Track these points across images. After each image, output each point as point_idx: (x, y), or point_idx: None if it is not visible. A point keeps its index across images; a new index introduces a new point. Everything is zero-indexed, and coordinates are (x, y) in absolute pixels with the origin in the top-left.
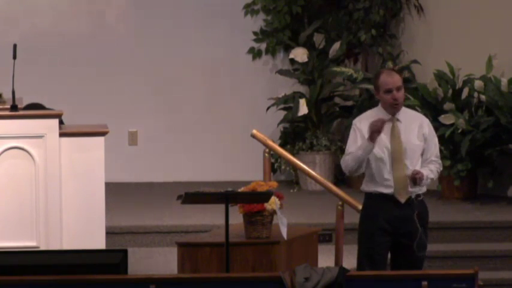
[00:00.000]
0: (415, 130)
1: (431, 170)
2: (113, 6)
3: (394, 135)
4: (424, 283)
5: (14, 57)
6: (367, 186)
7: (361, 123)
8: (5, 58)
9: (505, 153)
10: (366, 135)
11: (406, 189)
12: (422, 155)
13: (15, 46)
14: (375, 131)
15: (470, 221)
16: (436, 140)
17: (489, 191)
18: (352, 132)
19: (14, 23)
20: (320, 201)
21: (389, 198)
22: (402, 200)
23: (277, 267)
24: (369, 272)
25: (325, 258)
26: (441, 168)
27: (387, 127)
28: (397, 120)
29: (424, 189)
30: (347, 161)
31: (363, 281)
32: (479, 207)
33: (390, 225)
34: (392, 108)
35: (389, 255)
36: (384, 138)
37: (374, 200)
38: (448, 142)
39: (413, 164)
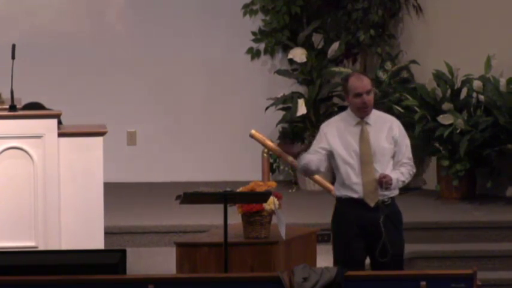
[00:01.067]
0: (385, 133)
1: (401, 173)
2: (112, 6)
3: (363, 139)
4: (423, 283)
5: (13, 57)
6: (337, 191)
7: (328, 128)
8: (3, 58)
9: (504, 153)
10: (332, 140)
11: (375, 193)
12: (393, 157)
13: (13, 46)
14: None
15: (468, 221)
16: (408, 141)
17: (488, 191)
18: (317, 136)
19: (13, 23)
20: (319, 201)
21: (359, 202)
22: (371, 203)
23: (276, 267)
24: (367, 272)
25: (324, 258)
26: (414, 170)
27: (356, 130)
28: (366, 123)
29: (395, 192)
30: (299, 160)
31: (361, 281)
32: (478, 207)
33: (363, 230)
34: (362, 112)
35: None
36: (352, 141)
37: (344, 205)
38: (447, 142)
39: (383, 168)
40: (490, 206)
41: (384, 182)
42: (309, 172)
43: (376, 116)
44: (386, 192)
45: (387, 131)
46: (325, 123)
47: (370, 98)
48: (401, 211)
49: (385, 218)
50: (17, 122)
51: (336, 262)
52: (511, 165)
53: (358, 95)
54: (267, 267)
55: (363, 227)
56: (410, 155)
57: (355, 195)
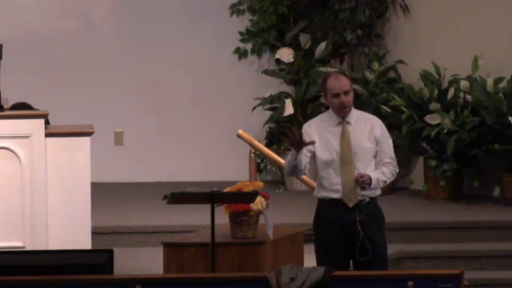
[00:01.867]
0: (366, 132)
1: (382, 173)
2: (99, 6)
3: (344, 138)
4: (410, 283)
5: (0, 57)
6: (318, 192)
7: (311, 128)
8: None
9: (491, 153)
10: (312, 138)
11: (354, 193)
12: (375, 157)
13: (0, 46)
14: (293, 144)
15: (456, 221)
16: (390, 141)
17: (475, 191)
18: None
19: (0, 23)
20: (306, 201)
21: (339, 203)
22: (350, 204)
23: (263, 267)
24: (354, 272)
25: (311, 258)
26: (397, 170)
27: (337, 130)
28: (348, 123)
29: (377, 192)
30: (285, 164)
31: (349, 281)
32: (465, 207)
33: (344, 231)
34: (340, 113)
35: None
36: (333, 141)
37: (325, 206)
38: (434, 142)
39: (364, 167)
40: (477, 206)
41: (360, 182)
42: (295, 174)
43: (357, 116)
44: (367, 193)
45: (369, 131)
46: (307, 124)
47: (348, 99)
48: (389, 211)
49: (366, 217)
50: (4, 122)
51: (318, 264)
52: (498, 165)
53: (336, 95)
54: (254, 267)
55: (343, 227)
56: (393, 155)
57: (335, 196)
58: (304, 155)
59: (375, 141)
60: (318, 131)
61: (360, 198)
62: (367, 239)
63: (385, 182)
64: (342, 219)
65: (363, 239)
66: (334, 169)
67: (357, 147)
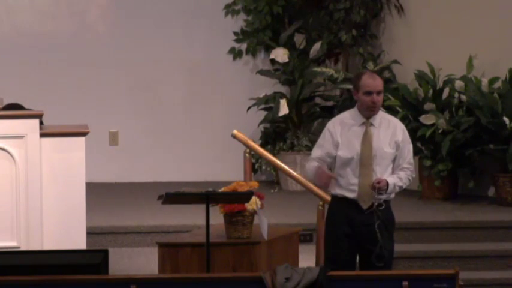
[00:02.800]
0: (388, 137)
1: (400, 178)
2: (93, 6)
3: (366, 140)
4: (405, 283)
5: None
6: (333, 189)
7: (334, 127)
8: None
9: (486, 153)
10: (336, 138)
11: (369, 196)
12: (394, 161)
13: None
14: (321, 185)
15: (451, 221)
16: (411, 146)
17: (470, 191)
18: (322, 134)
19: None
20: (301, 201)
21: (353, 203)
22: (364, 206)
23: (258, 267)
24: (349, 272)
25: (306, 258)
26: (413, 175)
27: (360, 131)
28: (371, 124)
29: (391, 196)
30: (307, 170)
31: (344, 281)
32: (460, 207)
33: (354, 230)
34: (369, 111)
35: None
36: (355, 142)
37: (337, 203)
38: (429, 142)
39: (382, 171)
40: (472, 206)
41: (377, 188)
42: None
43: (381, 118)
44: (382, 196)
45: (391, 136)
46: (331, 122)
47: (379, 99)
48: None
49: (380, 222)
50: None
51: (325, 261)
52: (493, 165)
53: (369, 93)
54: (249, 268)
55: (354, 228)
56: (412, 160)
57: (350, 195)
58: (324, 162)
59: (395, 147)
60: (342, 129)
61: (375, 202)
62: (375, 243)
63: (401, 187)
64: (352, 219)
65: (381, 245)
66: (352, 169)
67: (377, 150)
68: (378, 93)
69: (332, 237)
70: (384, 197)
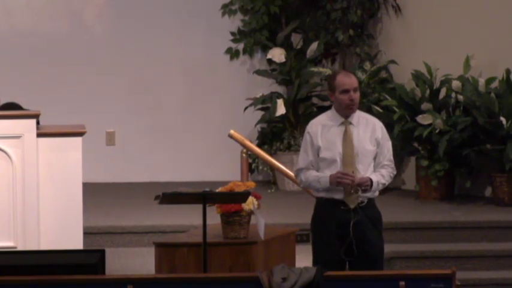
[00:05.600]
0: (368, 134)
1: (382, 175)
2: (90, 6)
3: (346, 140)
4: (402, 283)
5: None
6: (317, 192)
7: (312, 129)
8: None
9: (483, 153)
10: (317, 142)
11: (355, 195)
12: (375, 159)
13: None
14: (335, 183)
15: (447, 221)
16: (390, 144)
17: (467, 191)
18: (304, 140)
19: None
20: (297, 201)
21: (339, 204)
22: (352, 205)
23: (255, 267)
24: (346, 272)
25: (303, 258)
26: (394, 173)
27: (339, 131)
28: (350, 123)
29: (376, 193)
30: (306, 181)
31: (340, 281)
32: (457, 207)
33: (342, 231)
34: (347, 110)
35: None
36: (336, 142)
37: (325, 206)
38: (426, 142)
39: (364, 169)
40: (469, 206)
41: (362, 186)
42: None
43: (359, 116)
44: (366, 195)
45: (371, 133)
46: (309, 124)
47: (357, 96)
48: (380, 211)
49: (363, 218)
50: None
51: (315, 263)
52: (490, 165)
53: (346, 91)
54: (245, 268)
55: (342, 228)
56: (392, 157)
57: (336, 196)
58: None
59: (376, 144)
60: (321, 131)
61: (360, 200)
62: (363, 241)
63: (384, 184)
64: (340, 220)
65: (351, 241)
66: (336, 169)
67: (359, 148)
68: (355, 90)
69: (323, 240)
70: (368, 194)
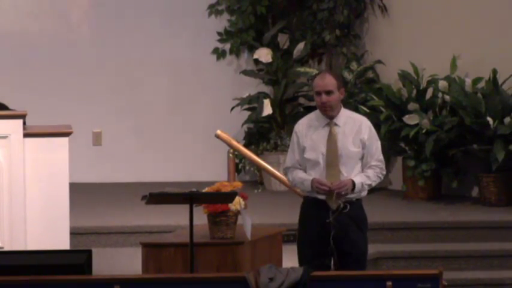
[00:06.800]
0: (352, 136)
1: (368, 176)
2: (76, 6)
3: (330, 141)
4: (389, 283)
5: None
6: (303, 191)
7: (299, 129)
8: None
9: (469, 153)
10: (302, 142)
11: (336, 199)
12: (363, 159)
13: None
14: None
15: (434, 221)
16: (378, 144)
17: (453, 191)
18: (292, 139)
19: None
20: (284, 201)
21: (322, 203)
22: (333, 206)
23: (242, 267)
24: (333, 273)
25: (290, 259)
26: (383, 173)
27: (324, 132)
28: (335, 124)
29: (363, 194)
30: (293, 181)
31: (327, 281)
32: (444, 207)
33: (325, 231)
34: (322, 111)
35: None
36: (320, 143)
37: (309, 205)
38: (413, 142)
39: (349, 170)
40: (456, 206)
41: (335, 193)
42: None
43: (346, 117)
44: (351, 196)
45: (355, 134)
46: (297, 124)
47: (329, 99)
48: (367, 211)
49: (346, 218)
50: None
51: (300, 263)
52: (477, 165)
53: (318, 93)
54: (232, 268)
55: (324, 227)
56: (381, 157)
57: (320, 196)
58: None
59: (361, 145)
60: (307, 132)
61: (342, 201)
62: (346, 241)
63: (370, 185)
64: (323, 220)
65: (331, 246)
66: (320, 170)
67: (342, 149)
68: (328, 93)
69: (309, 239)
70: (353, 196)
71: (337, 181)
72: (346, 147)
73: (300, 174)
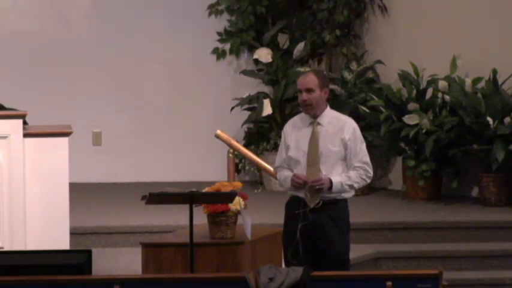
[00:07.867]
0: (333, 135)
1: (348, 177)
2: (76, 7)
3: (312, 140)
4: (389, 283)
5: None
6: (289, 189)
7: (286, 128)
8: None
9: (469, 153)
10: (287, 141)
11: (314, 195)
12: (346, 160)
13: None
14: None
15: (434, 221)
16: (363, 145)
17: (453, 191)
18: (281, 139)
19: None
20: (284, 201)
21: (303, 201)
22: (311, 205)
23: (242, 267)
24: (333, 272)
25: None
26: (369, 175)
27: (308, 131)
28: (319, 124)
29: (346, 194)
30: (280, 179)
31: (327, 281)
32: (444, 207)
33: (307, 230)
34: (304, 109)
35: None
36: (303, 142)
37: (291, 203)
38: (412, 142)
39: (328, 170)
40: (456, 206)
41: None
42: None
43: (331, 117)
44: (330, 195)
45: (336, 133)
46: (286, 123)
47: (310, 97)
48: (367, 211)
49: (325, 217)
50: None
51: (285, 262)
52: (477, 165)
53: (299, 91)
54: (232, 268)
55: (307, 226)
56: (365, 159)
57: (300, 195)
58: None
59: (342, 145)
60: (293, 130)
61: (319, 201)
62: (323, 240)
63: (351, 186)
64: (306, 219)
65: (297, 243)
66: (302, 169)
67: (322, 148)
68: (308, 91)
69: (290, 236)
70: (333, 195)
71: (315, 177)
72: (326, 146)
73: (285, 173)
